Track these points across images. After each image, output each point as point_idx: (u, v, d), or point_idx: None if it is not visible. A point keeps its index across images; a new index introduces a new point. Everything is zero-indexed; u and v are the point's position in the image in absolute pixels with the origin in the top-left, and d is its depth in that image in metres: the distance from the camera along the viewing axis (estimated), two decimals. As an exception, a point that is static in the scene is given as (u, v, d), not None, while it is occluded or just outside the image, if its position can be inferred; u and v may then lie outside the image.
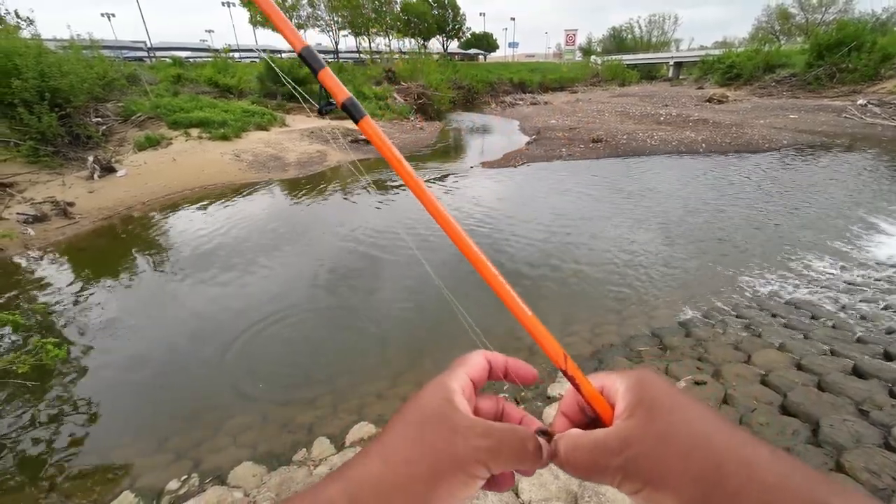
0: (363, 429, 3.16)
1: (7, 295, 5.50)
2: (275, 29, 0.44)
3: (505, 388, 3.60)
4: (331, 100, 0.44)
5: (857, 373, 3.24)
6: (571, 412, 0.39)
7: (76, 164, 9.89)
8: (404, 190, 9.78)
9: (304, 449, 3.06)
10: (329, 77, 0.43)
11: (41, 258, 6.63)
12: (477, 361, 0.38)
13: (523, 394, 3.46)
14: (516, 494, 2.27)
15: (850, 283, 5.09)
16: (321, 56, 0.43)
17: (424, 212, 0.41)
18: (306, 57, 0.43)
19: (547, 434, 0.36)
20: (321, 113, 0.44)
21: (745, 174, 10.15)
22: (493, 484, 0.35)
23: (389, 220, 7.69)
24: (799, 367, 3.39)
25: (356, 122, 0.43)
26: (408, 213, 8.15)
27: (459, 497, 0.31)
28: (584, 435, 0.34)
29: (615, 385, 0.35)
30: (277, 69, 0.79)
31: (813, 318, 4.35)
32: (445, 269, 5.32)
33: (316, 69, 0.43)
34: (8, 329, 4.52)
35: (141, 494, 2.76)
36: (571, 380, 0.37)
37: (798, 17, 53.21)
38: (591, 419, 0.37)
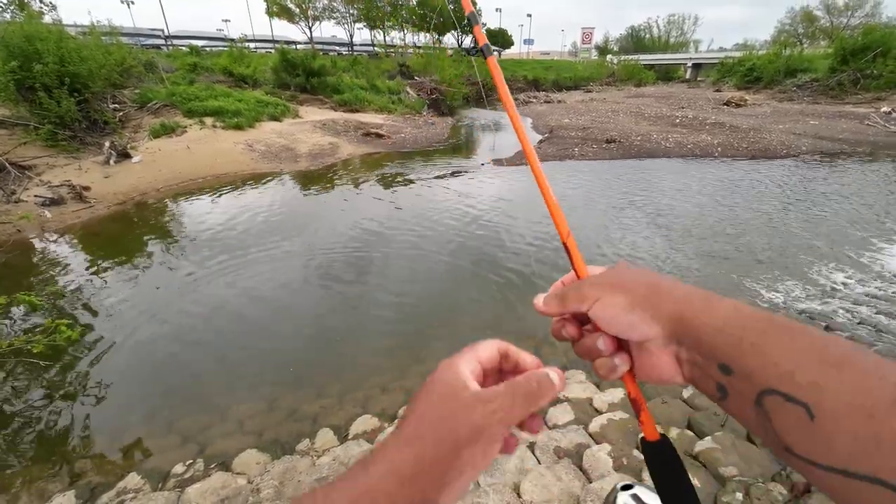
0: (367, 422, 3.17)
1: (24, 276, 5.62)
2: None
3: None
4: (477, 45, 0.59)
5: (872, 387, 3.16)
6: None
7: (93, 149, 10.04)
8: (409, 185, 9.75)
9: (308, 439, 3.08)
10: (479, 30, 0.60)
11: (57, 241, 6.76)
12: (488, 348, 0.41)
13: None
14: (518, 495, 2.26)
15: (867, 295, 4.97)
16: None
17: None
18: (470, 17, 0.60)
19: None
20: (469, 52, 0.62)
21: (761, 180, 9.94)
22: (522, 427, 0.38)
23: (398, 214, 7.69)
24: (811, 378, 3.32)
25: (485, 58, 0.58)
26: (413, 208, 8.14)
27: (482, 466, 0.34)
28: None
29: (598, 270, 0.46)
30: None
31: (827, 329, 4.25)
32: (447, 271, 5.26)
33: (473, 24, 0.60)
34: (24, 309, 4.61)
35: (147, 476, 2.80)
36: (568, 252, 0.48)
37: (823, 20, 51.97)
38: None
